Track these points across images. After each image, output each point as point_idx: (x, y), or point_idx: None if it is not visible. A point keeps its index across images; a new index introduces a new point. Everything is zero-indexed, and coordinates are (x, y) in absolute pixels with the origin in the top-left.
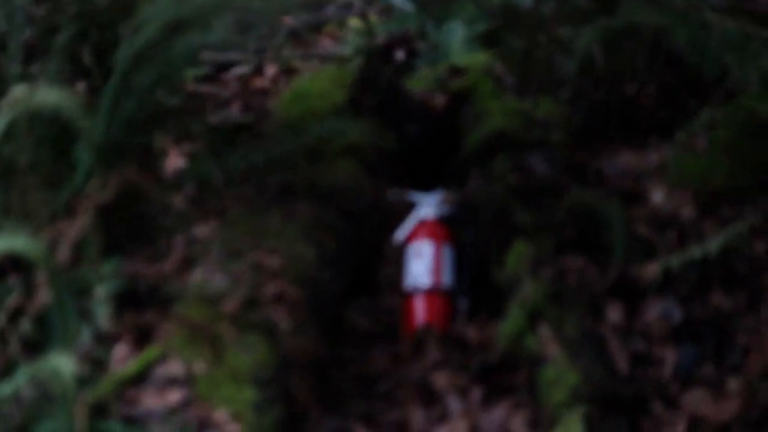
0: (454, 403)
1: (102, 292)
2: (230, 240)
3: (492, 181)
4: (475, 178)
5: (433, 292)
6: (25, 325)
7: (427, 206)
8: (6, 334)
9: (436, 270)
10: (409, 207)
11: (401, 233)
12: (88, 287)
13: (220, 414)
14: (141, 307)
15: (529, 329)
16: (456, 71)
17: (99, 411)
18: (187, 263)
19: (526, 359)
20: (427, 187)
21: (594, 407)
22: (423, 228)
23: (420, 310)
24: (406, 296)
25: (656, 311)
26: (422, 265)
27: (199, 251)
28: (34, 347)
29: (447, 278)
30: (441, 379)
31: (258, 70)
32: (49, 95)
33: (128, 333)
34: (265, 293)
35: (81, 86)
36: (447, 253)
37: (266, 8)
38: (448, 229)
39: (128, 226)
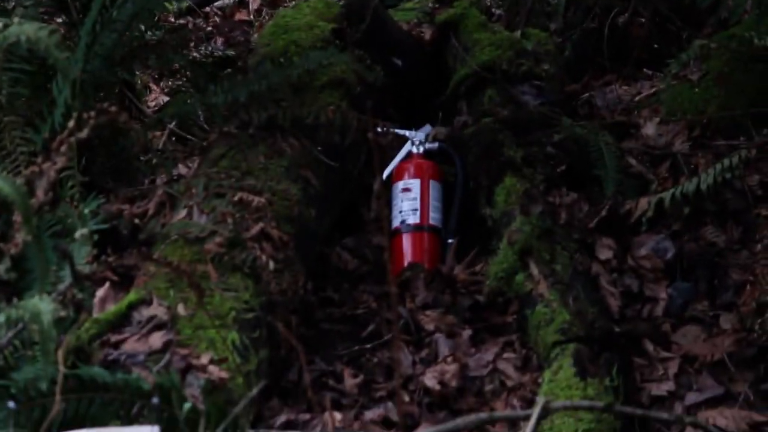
0: (442, 344)
1: (83, 233)
2: (213, 178)
3: (481, 115)
4: (464, 112)
5: (420, 230)
6: (4, 267)
7: (415, 142)
8: None
9: (424, 207)
10: (396, 142)
11: (388, 170)
12: (68, 228)
13: (204, 357)
14: (123, 248)
15: (519, 268)
16: (443, 2)
17: (80, 355)
18: (170, 203)
19: (515, 298)
20: (414, 121)
21: (586, 346)
22: (410, 164)
23: (407, 249)
24: (394, 234)
25: (648, 247)
26: (409, 203)
27: (182, 190)
28: (13, 289)
29: (435, 216)
30: (429, 320)
31: (241, 2)
32: (25, 29)
33: (110, 275)
34: (249, 233)
35: (59, 21)
36: (435, 190)
37: None
38: (436, 166)
39: (109, 165)
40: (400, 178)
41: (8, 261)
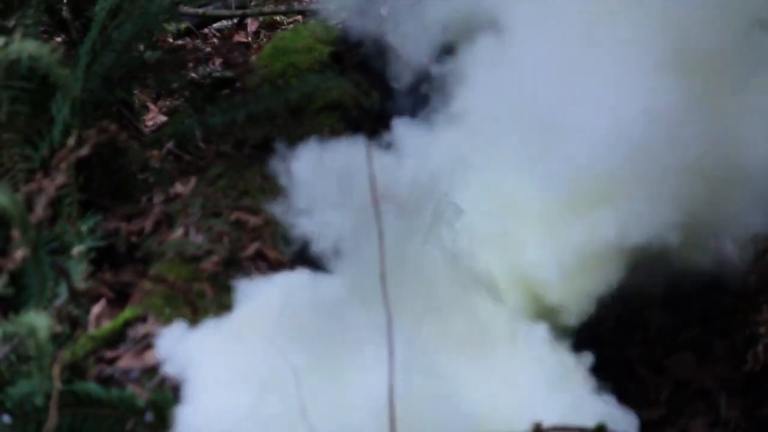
0: None
1: (80, 249)
2: (210, 197)
3: None
4: None
5: None
6: (1, 282)
7: None
8: None
9: None
10: None
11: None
12: (66, 245)
13: None
14: (119, 266)
15: None
16: None
17: (75, 370)
18: (167, 221)
19: None
20: None
21: None
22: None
23: None
24: None
25: (642, 272)
26: None
27: (179, 209)
28: (10, 305)
29: None
30: None
31: (240, 25)
32: (25, 47)
33: (106, 292)
34: (246, 252)
35: (59, 40)
36: None
37: None
38: None
39: (107, 183)
40: None
41: (6, 276)
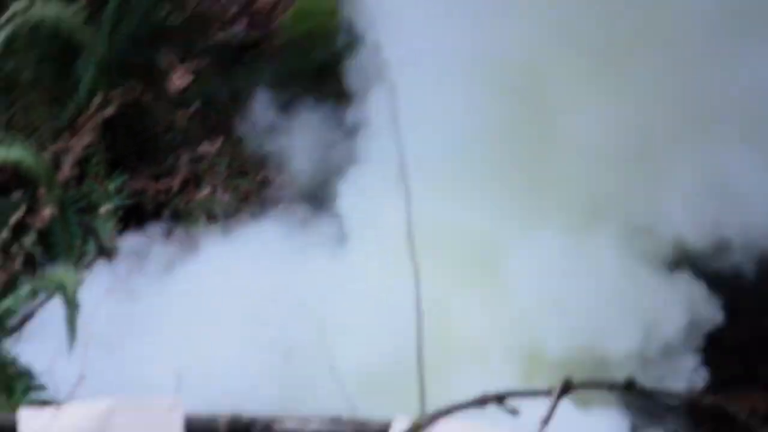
0: None
1: (107, 208)
2: (236, 157)
3: None
4: None
5: None
6: (29, 240)
7: None
8: (10, 249)
9: None
10: None
11: None
12: (93, 203)
13: None
14: (145, 224)
15: None
16: None
17: None
18: (194, 180)
19: None
20: None
21: None
22: None
23: None
24: None
25: None
26: None
27: (206, 168)
28: (39, 263)
29: None
30: None
31: None
32: (49, 9)
33: None
34: (272, 210)
35: (82, 1)
36: None
37: None
38: None
39: (133, 143)
40: None
41: (34, 234)
